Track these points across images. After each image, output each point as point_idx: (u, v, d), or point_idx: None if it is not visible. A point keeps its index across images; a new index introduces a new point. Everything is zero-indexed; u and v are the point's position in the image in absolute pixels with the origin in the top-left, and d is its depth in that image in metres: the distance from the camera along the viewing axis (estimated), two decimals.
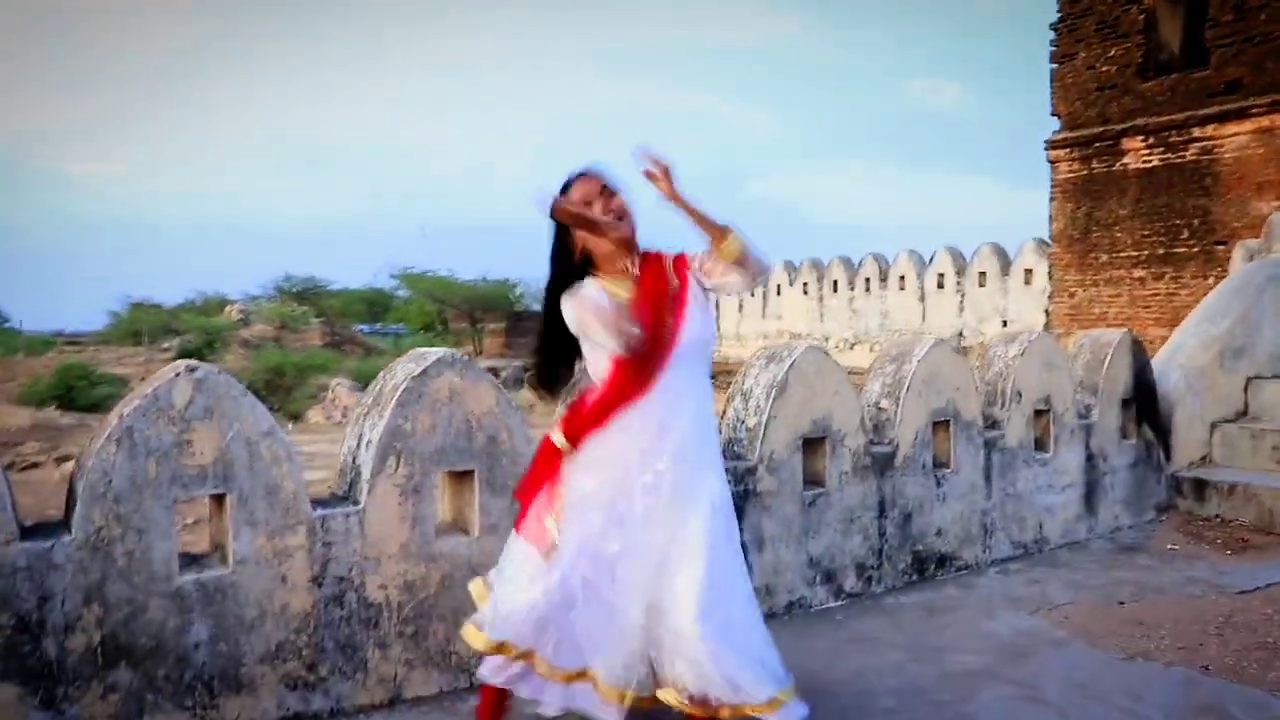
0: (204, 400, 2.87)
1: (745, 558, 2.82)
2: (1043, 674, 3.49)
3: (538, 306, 2.95)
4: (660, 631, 2.49)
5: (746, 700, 2.46)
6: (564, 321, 2.61)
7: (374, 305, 50.18)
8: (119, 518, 2.74)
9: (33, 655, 2.63)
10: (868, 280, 26.36)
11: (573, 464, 2.61)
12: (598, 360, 2.62)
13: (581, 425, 2.61)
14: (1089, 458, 5.47)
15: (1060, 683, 3.40)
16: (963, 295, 23.57)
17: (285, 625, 2.99)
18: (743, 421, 4.13)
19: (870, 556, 4.42)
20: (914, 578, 4.59)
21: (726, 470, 3.87)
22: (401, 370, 3.32)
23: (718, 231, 2.51)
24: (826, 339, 26.37)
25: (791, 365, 4.13)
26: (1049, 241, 15.57)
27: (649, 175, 2.49)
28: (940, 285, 24.25)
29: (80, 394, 20.39)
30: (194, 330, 31.59)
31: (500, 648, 2.59)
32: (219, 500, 2.97)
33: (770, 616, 3.38)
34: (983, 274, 23.14)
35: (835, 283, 27.38)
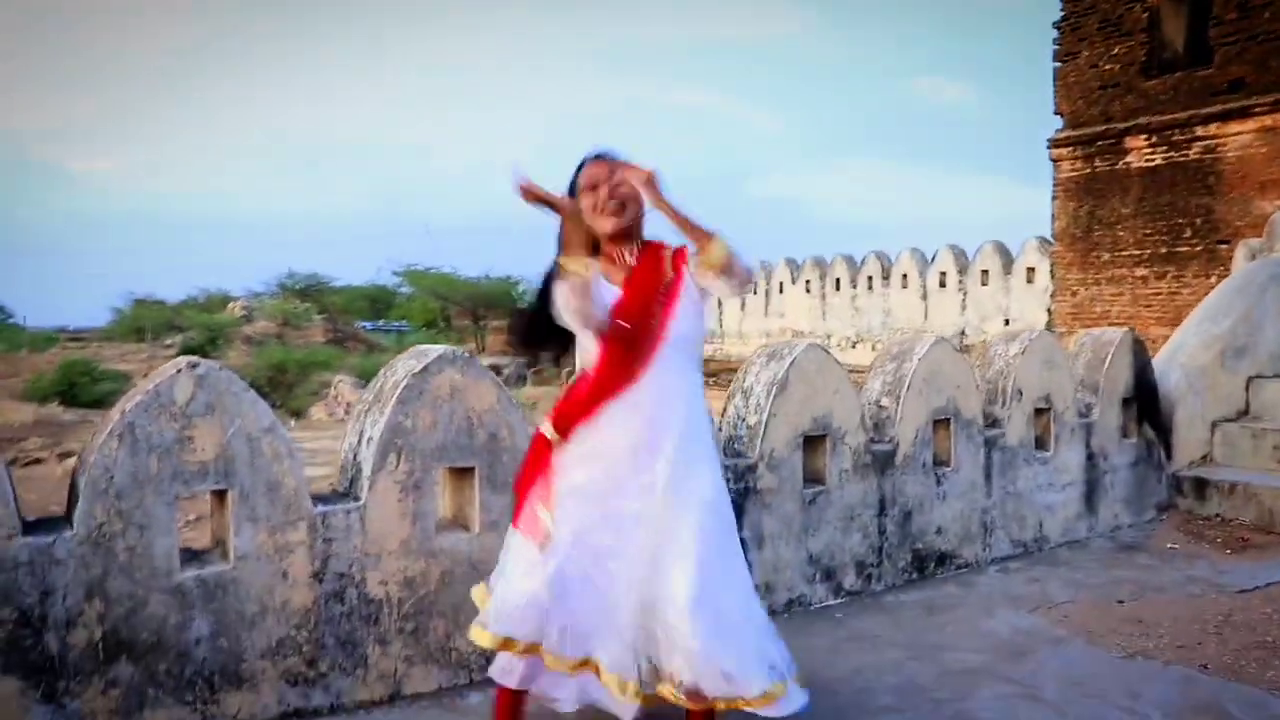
0: (205, 396, 2.88)
1: (745, 555, 2.83)
2: (1041, 672, 3.49)
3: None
4: (655, 627, 2.50)
5: (740, 693, 2.47)
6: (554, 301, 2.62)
7: (377, 302, 50.19)
8: (121, 513, 2.76)
9: (34, 650, 2.65)
10: (870, 278, 26.36)
11: (564, 456, 2.62)
12: (587, 346, 2.65)
13: (570, 416, 2.62)
14: (1089, 456, 5.47)
15: (1059, 681, 3.41)
16: (965, 294, 23.57)
17: (286, 621, 3.01)
18: (743, 419, 4.14)
19: (870, 554, 4.42)
20: (914, 576, 4.59)
21: (727, 468, 3.89)
22: (403, 367, 3.33)
23: (702, 238, 2.52)
24: (829, 337, 26.37)
25: (792, 363, 4.14)
26: (1051, 240, 15.56)
27: (634, 182, 2.54)
28: (943, 284, 24.25)
29: (83, 390, 20.41)
30: (197, 327, 31.60)
31: (506, 643, 2.59)
32: (220, 496, 2.98)
33: (770, 614, 3.38)
34: (985, 272, 23.13)
35: (838, 281, 27.38)
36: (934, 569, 4.68)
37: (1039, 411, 5.21)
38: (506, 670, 2.67)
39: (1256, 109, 12.27)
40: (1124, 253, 13.93)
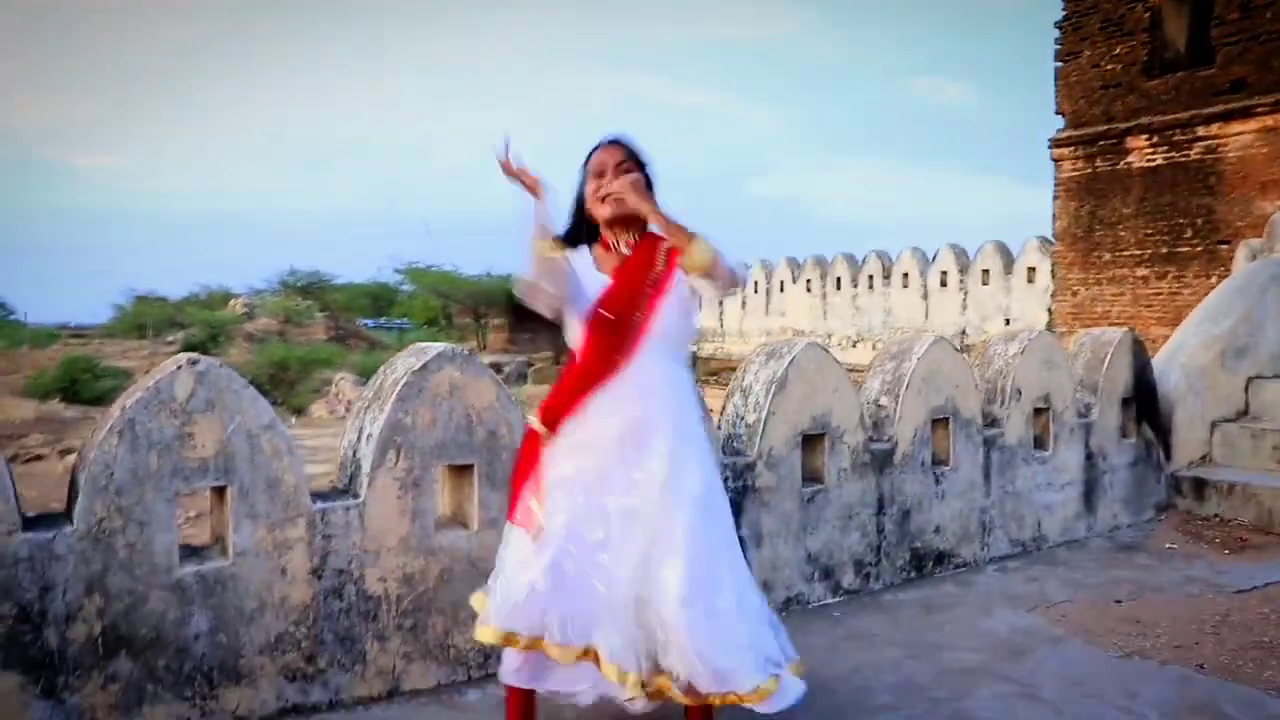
0: (205, 393, 2.89)
1: (744, 554, 2.83)
2: (1039, 671, 3.50)
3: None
4: (652, 623, 2.51)
5: (733, 689, 2.48)
6: None
7: (378, 300, 50.23)
8: (120, 509, 2.77)
9: (34, 645, 2.66)
10: (871, 278, 26.34)
11: (553, 448, 2.63)
12: (572, 329, 2.68)
13: (556, 409, 2.64)
14: (1088, 456, 5.47)
15: (1056, 680, 3.42)
16: (966, 293, 23.55)
17: (285, 617, 3.01)
18: (742, 418, 4.14)
19: (868, 553, 4.43)
20: (912, 575, 4.60)
21: (725, 466, 3.90)
22: (402, 365, 3.34)
23: (684, 241, 2.53)
24: (829, 336, 26.37)
25: (791, 362, 4.14)
26: (1052, 240, 15.55)
27: (618, 190, 2.59)
28: (943, 283, 24.22)
29: (84, 387, 20.43)
30: (198, 324, 31.61)
31: (509, 638, 2.59)
32: (220, 493, 2.99)
33: None
34: (986, 272, 23.11)
35: (839, 280, 27.37)
36: (932, 568, 4.68)
37: (1038, 411, 5.21)
38: (514, 670, 2.67)
39: (1258, 109, 12.27)
40: (1125, 253, 13.93)
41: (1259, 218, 11.72)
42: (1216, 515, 5.76)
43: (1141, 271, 13.73)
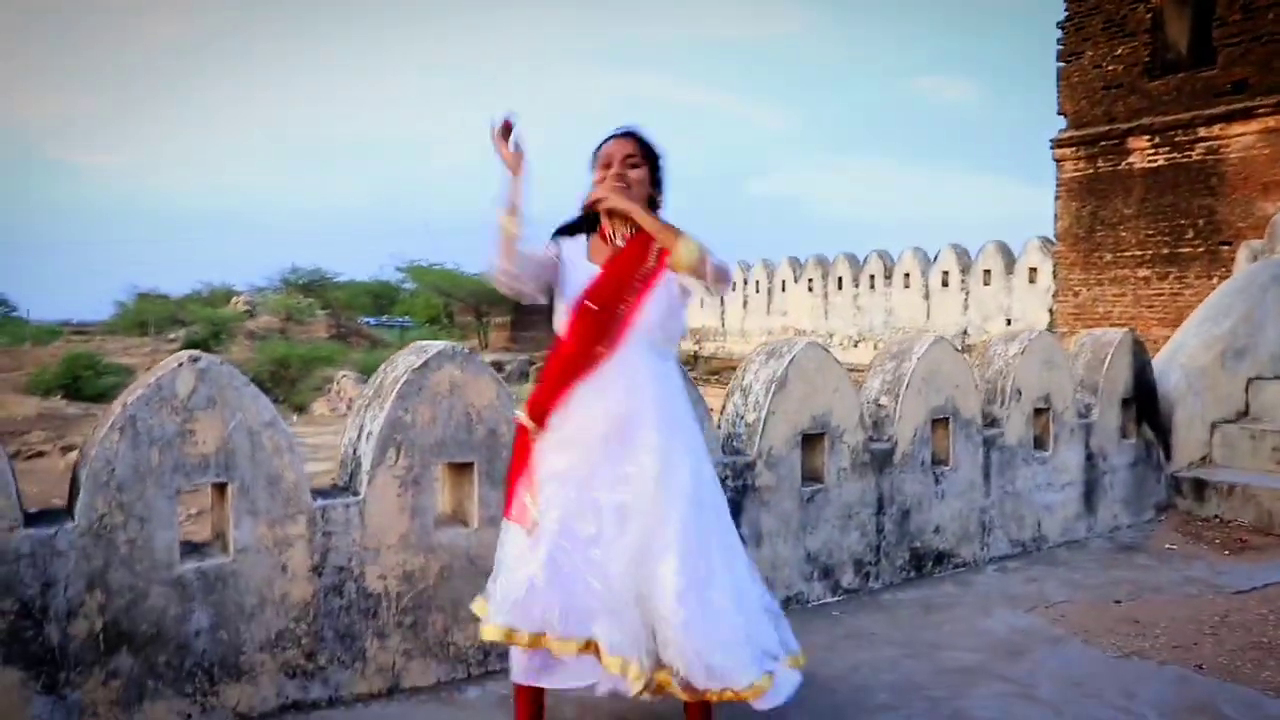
0: (206, 390, 2.90)
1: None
2: (1037, 671, 3.51)
3: (544, 300, 3.03)
4: (651, 619, 2.51)
5: (728, 685, 2.49)
6: None
7: (380, 298, 50.25)
8: (122, 505, 2.77)
9: (36, 641, 2.67)
10: (872, 277, 26.35)
11: (542, 443, 2.64)
12: (559, 317, 2.71)
13: (541, 402, 2.65)
14: (1088, 457, 5.48)
15: (1054, 680, 3.42)
16: (967, 293, 23.55)
17: (285, 614, 3.02)
18: (742, 417, 4.15)
19: (868, 553, 4.44)
20: (911, 574, 4.61)
21: (725, 465, 3.91)
22: (402, 363, 3.35)
23: (671, 240, 2.55)
24: (831, 336, 26.38)
25: (791, 361, 4.15)
26: (1054, 240, 15.54)
27: (599, 193, 2.63)
28: (945, 283, 24.23)
29: (86, 384, 20.45)
30: (200, 321, 31.64)
31: (512, 635, 2.60)
32: (220, 489, 3.00)
33: None
34: (987, 272, 23.11)
35: (840, 279, 27.37)
36: (932, 568, 4.69)
37: (1038, 411, 5.22)
38: (523, 668, 2.67)
39: (1259, 110, 12.26)
40: (1126, 253, 13.92)
41: (1260, 219, 11.72)
42: (1216, 516, 5.76)
43: (1143, 272, 13.72)
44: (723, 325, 31.48)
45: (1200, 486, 5.93)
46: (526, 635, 2.59)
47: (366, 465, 3.18)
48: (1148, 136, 13.58)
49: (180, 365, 2.89)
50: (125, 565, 2.78)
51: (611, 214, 2.69)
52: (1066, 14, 14.80)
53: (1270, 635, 3.88)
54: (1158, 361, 6.27)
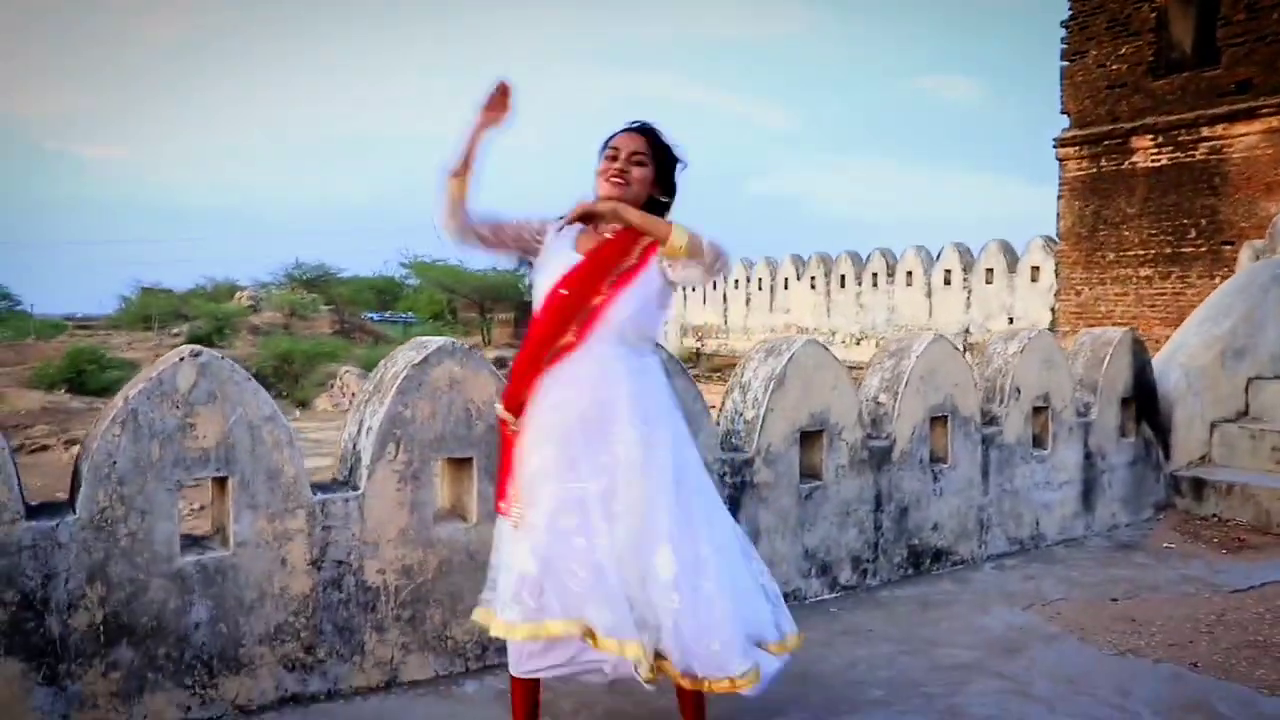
0: (207, 385, 2.92)
1: None
2: (1033, 668, 3.52)
3: (506, 257, 3.11)
4: (645, 610, 2.53)
5: (727, 673, 2.52)
6: None
7: (384, 294, 50.30)
8: (122, 499, 2.80)
9: (36, 632, 2.69)
10: (875, 275, 26.36)
11: (521, 437, 2.64)
12: (536, 301, 2.73)
13: (513, 393, 2.67)
14: (1087, 455, 5.49)
15: (1050, 677, 3.44)
16: (969, 292, 23.56)
17: (284, 607, 3.04)
18: (740, 414, 4.17)
19: (866, 550, 4.45)
20: (909, 572, 4.62)
21: (724, 462, 3.92)
22: (402, 358, 3.37)
23: (664, 231, 2.56)
24: (833, 334, 26.39)
25: (790, 359, 4.16)
26: (1056, 239, 15.54)
27: (587, 206, 2.66)
28: (947, 281, 24.24)
29: (90, 378, 20.52)
30: (204, 316, 31.71)
31: (512, 629, 2.59)
32: (221, 483, 3.02)
33: None
34: (990, 271, 23.13)
35: (842, 277, 27.39)
36: (930, 565, 4.70)
37: (1037, 410, 5.23)
38: (521, 658, 2.66)
39: (1263, 110, 12.25)
40: (1129, 253, 13.92)
41: (1263, 218, 11.72)
42: (1215, 515, 5.77)
43: (1145, 271, 13.72)
44: (725, 323, 31.49)
45: (1199, 486, 5.94)
46: (526, 627, 2.59)
47: (366, 460, 3.20)
48: (1151, 136, 13.57)
49: (181, 360, 2.91)
50: (126, 558, 2.80)
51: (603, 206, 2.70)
52: (1071, 13, 14.79)
53: (1266, 634, 3.89)
54: (1157, 361, 6.28)
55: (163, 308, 35.18)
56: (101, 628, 2.77)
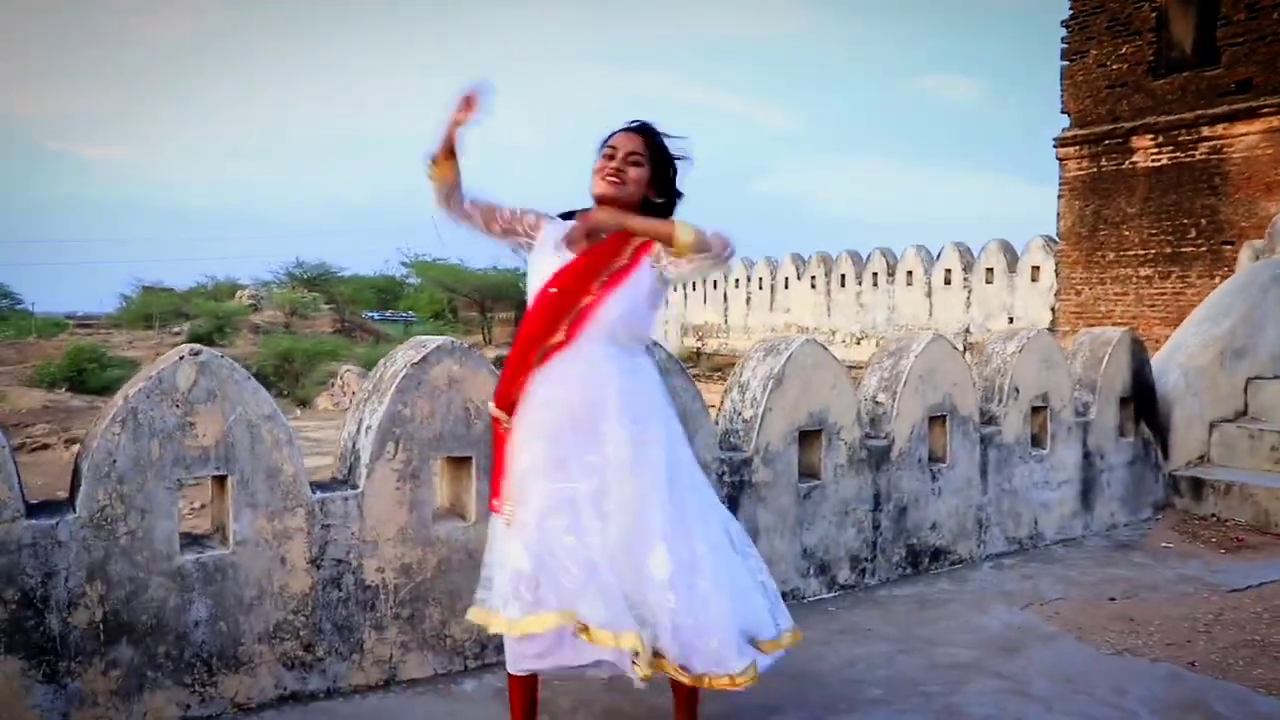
0: (207, 383, 2.93)
1: None
2: (1030, 667, 3.53)
3: (503, 241, 3.12)
4: (642, 608, 2.53)
5: (725, 671, 2.52)
6: None
7: (384, 293, 50.33)
8: (122, 497, 2.80)
9: (36, 630, 2.70)
10: (875, 275, 26.36)
11: (512, 435, 2.65)
12: (529, 299, 2.76)
13: (504, 392, 2.68)
14: (1086, 455, 5.50)
15: (1047, 676, 3.44)
16: (970, 291, 23.56)
17: (283, 606, 3.05)
18: (739, 413, 4.17)
19: (864, 549, 4.46)
20: (907, 571, 4.63)
21: (722, 461, 3.93)
22: (402, 357, 3.37)
23: (667, 230, 2.56)
24: (834, 333, 26.39)
25: (789, 358, 4.17)
26: (1056, 239, 15.54)
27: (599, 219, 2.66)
28: (947, 281, 24.24)
29: (91, 376, 20.53)
30: (205, 315, 31.74)
31: (512, 625, 2.59)
32: (220, 482, 3.03)
33: None
34: (990, 270, 23.13)
35: (843, 277, 27.39)
36: (928, 564, 4.71)
37: (1036, 410, 5.23)
38: (518, 656, 2.66)
39: (1263, 110, 12.25)
40: (1129, 252, 13.92)
41: (1263, 218, 11.71)
42: (1213, 515, 5.78)
43: (1145, 271, 13.72)
44: (726, 322, 31.49)
45: (1198, 485, 5.95)
46: (529, 621, 2.59)
47: (365, 459, 3.21)
48: (1151, 136, 13.57)
49: (181, 359, 2.92)
50: (125, 556, 2.81)
51: (602, 203, 2.69)
52: (1071, 13, 14.78)
53: (1263, 633, 3.90)
54: (1157, 360, 6.28)
55: (163, 306, 35.20)
56: (101, 626, 2.78)
